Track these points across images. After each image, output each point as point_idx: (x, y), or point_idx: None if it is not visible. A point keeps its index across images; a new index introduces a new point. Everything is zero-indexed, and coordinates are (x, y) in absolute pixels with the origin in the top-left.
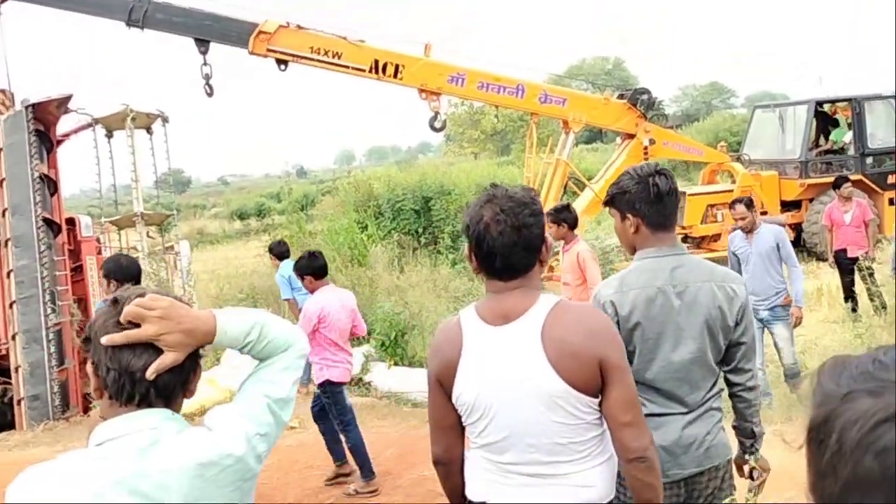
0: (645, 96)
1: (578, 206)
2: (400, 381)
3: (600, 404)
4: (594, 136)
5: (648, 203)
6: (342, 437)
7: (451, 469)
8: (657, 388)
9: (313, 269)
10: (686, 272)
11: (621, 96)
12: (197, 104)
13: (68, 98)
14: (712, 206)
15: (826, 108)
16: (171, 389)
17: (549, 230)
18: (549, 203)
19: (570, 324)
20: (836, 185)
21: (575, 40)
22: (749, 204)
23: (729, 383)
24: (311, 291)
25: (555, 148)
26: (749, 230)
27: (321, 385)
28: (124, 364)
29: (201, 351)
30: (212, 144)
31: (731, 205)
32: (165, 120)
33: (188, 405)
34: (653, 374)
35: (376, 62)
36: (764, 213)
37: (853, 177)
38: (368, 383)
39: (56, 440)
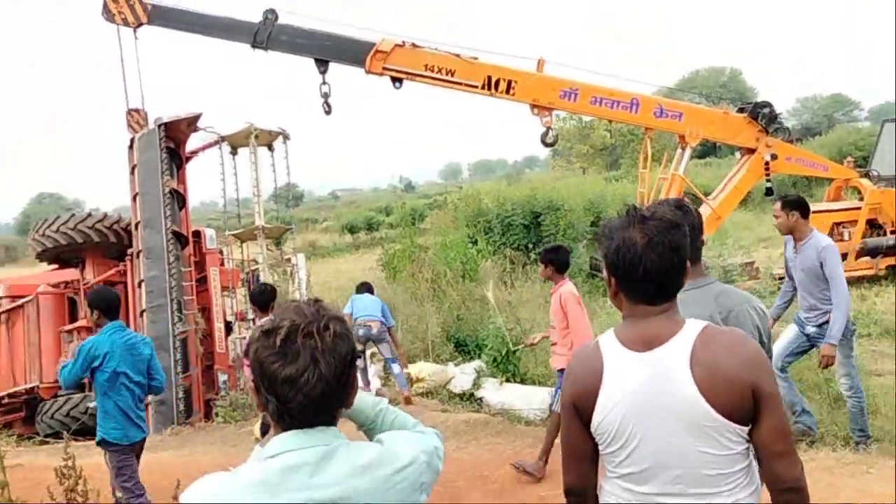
0: (766, 110)
1: None
2: (512, 397)
3: (749, 433)
4: (708, 150)
5: None
6: None
7: (584, 500)
8: None
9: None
10: (726, 298)
11: (741, 110)
12: (311, 120)
13: (198, 117)
14: (838, 224)
15: None
16: (333, 409)
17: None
18: None
19: (722, 349)
20: None
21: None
22: (789, 204)
23: None
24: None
25: (668, 163)
26: (796, 238)
27: None
28: (282, 398)
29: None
30: (324, 159)
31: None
32: (286, 137)
33: None
34: None
35: (489, 78)
36: (894, 233)
37: None
38: (480, 399)
39: (182, 444)
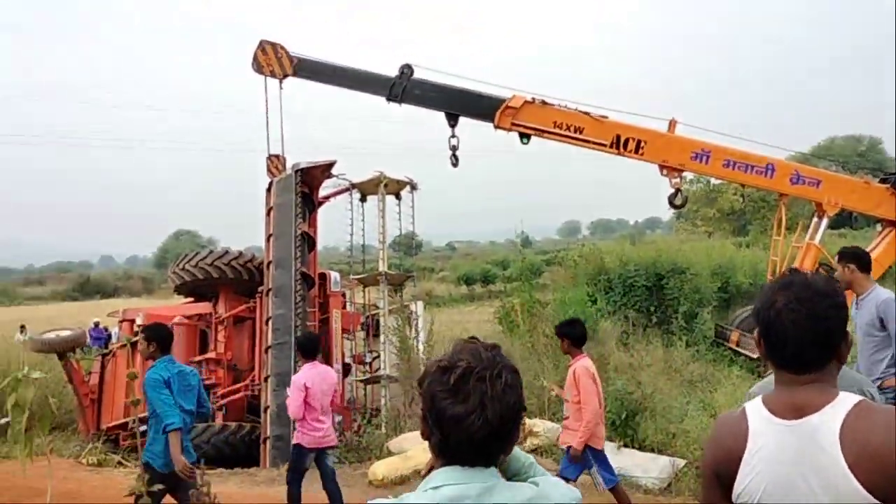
0: None
1: None
2: (630, 463)
3: None
4: (842, 220)
5: None
6: None
7: None
8: None
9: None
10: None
11: (884, 180)
12: (431, 170)
13: (332, 164)
14: None
15: None
16: (495, 452)
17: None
18: None
19: (877, 426)
20: None
21: (821, 118)
22: (845, 256)
23: None
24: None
25: (803, 231)
26: (856, 294)
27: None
28: (446, 432)
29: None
30: (442, 210)
31: None
32: (414, 187)
33: None
34: None
35: (618, 137)
36: None
37: None
38: None
39: None
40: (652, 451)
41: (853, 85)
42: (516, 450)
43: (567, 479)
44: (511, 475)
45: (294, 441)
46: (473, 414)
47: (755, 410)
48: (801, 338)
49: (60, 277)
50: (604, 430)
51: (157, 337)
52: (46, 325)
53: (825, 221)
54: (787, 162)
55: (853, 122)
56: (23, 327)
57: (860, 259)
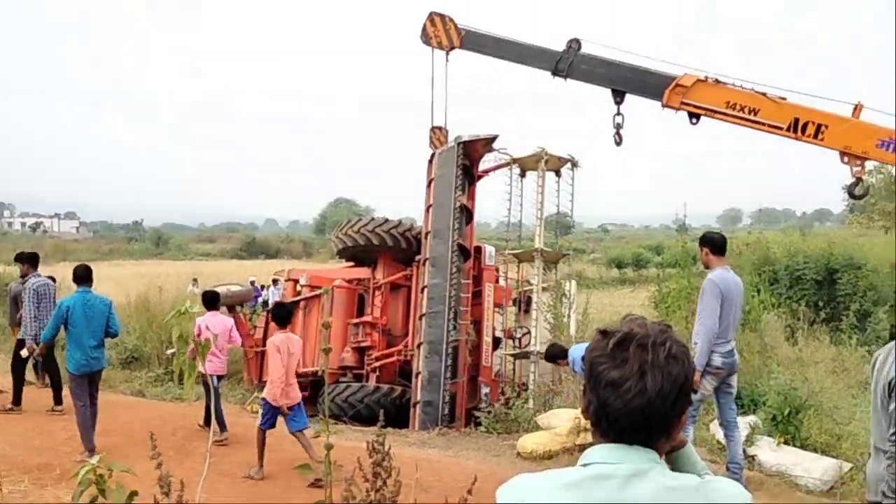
0: None
1: None
2: (791, 461)
3: None
4: None
5: None
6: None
7: None
8: None
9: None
10: None
11: None
12: (597, 151)
13: (494, 138)
14: None
15: None
16: (653, 430)
17: None
18: None
19: None
20: None
21: None
22: (704, 241)
23: None
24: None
25: None
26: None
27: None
28: (602, 399)
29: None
30: (598, 190)
31: None
32: (575, 165)
33: None
34: None
35: (796, 121)
36: None
37: None
38: (753, 456)
39: (448, 445)
40: (815, 451)
41: None
42: (691, 449)
43: None
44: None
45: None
46: (631, 380)
47: None
48: None
49: (228, 237)
50: None
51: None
52: (216, 280)
53: None
54: None
55: None
56: (195, 280)
57: (713, 242)
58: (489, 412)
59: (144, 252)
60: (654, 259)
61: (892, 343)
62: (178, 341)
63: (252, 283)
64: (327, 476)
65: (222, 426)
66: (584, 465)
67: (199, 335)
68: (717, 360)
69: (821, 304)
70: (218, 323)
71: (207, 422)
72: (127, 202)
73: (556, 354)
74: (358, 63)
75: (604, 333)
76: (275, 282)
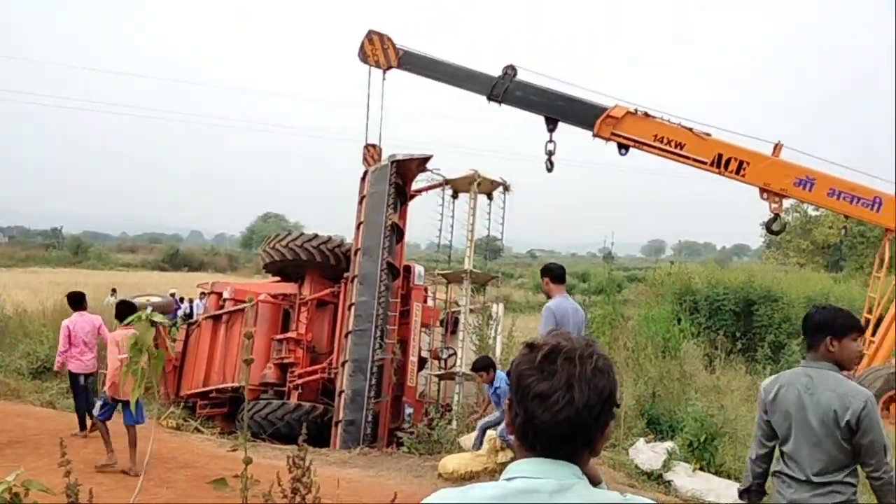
0: None
1: None
2: (705, 487)
3: None
4: None
5: None
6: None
7: None
8: None
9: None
10: None
11: None
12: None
13: (428, 158)
14: None
15: None
16: (580, 444)
17: None
18: (893, 332)
19: None
20: None
21: None
22: (544, 271)
23: None
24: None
25: None
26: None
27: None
28: (529, 412)
29: None
30: (526, 216)
31: None
32: (507, 188)
33: None
34: None
35: (720, 156)
36: None
37: None
38: (669, 482)
39: (369, 465)
40: (728, 477)
41: None
42: (605, 487)
43: None
44: None
45: (69, 369)
46: (558, 392)
47: None
48: None
49: (151, 248)
50: None
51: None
52: (135, 291)
53: None
54: None
55: None
56: (114, 290)
57: (552, 272)
58: (412, 432)
59: (62, 260)
60: (579, 286)
61: (790, 373)
62: (132, 349)
63: (172, 295)
64: (244, 492)
65: (82, 425)
66: (508, 479)
67: (67, 336)
68: None
69: (738, 334)
70: (85, 322)
71: (83, 425)
72: (46, 208)
73: (482, 367)
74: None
75: (531, 346)
76: (201, 294)
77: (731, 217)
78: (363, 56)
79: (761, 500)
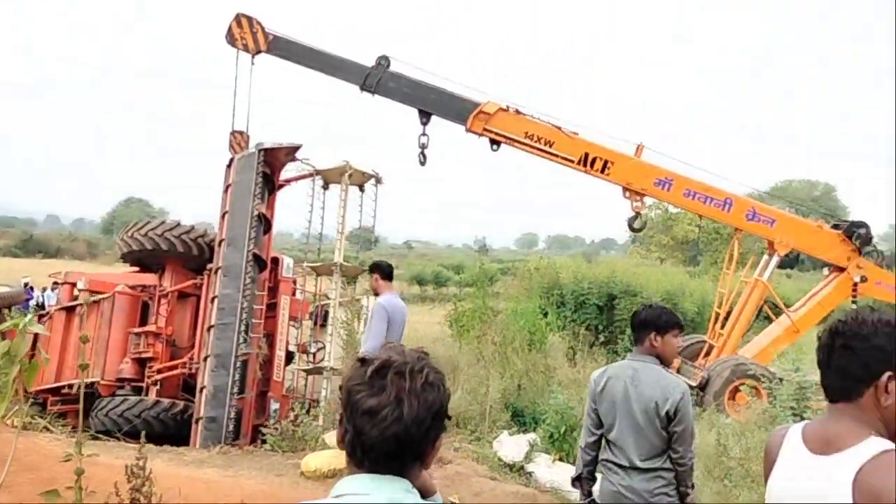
0: (862, 230)
1: (773, 332)
2: (563, 477)
3: None
4: (791, 261)
5: None
6: None
7: None
8: None
9: None
10: None
11: (836, 226)
12: (403, 168)
13: (297, 148)
14: None
15: None
16: (406, 458)
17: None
18: (740, 324)
19: (890, 478)
20: None
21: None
22: (373, 268)
23: None
24: None
25: (752, 267)
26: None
27: None
28: (358, 428)
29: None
30: (403, 208)
31: None
32: (379, 180)
33: None
34: None
35: (586, 155)
36: None
37: None
38: (530, 473)
39: (229, 464)
40: None
41: (813, 129)
42: (438, 499)
43: None
44: None
45: None
46: (388, 408)
47: (795, 434)
48: (826, 366)
49: (2, 232)
50: None
51: None
52: None
53: (775, 260)
54: (745, 198)
55: (809, 167)
56: None
57: (382, 269)
58: (276, 429)
59: None
60: (454, 278)
61: (617, 365)
62: (4, 358)
63: (26, 284)
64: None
65: None
66: (336, 496)
67: None
68: None
69: (601, 327)
70: None
71: None
72: None
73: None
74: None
75: (362, 361)
76: (53, 284)
77: (601, 211)
78: (231, 39)
79: (592, 486)
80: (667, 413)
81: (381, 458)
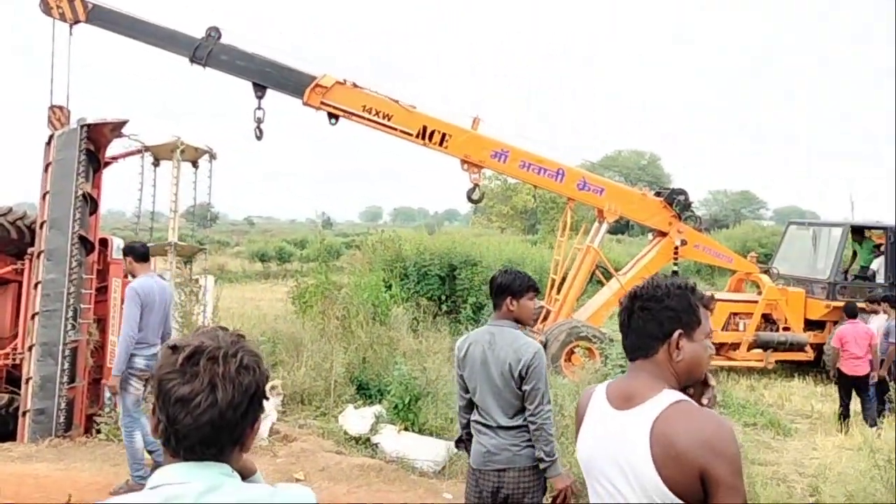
0: (682, 197)
1: (604, 295)
2: (409, 446)
3: None
4: (621, 227)
5: None
6: None
7: None
8: None
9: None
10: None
11: (658, 194)
12: (240, 142)
13: (123, 123)
14: (735, 314)
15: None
16: (224, 443)
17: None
18: (574, 289)
19: (681, 425)
20: (849, 311)
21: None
22: (126, 251)
23: None
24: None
25: (585, 234)
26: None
27: None
28: (171, 416)
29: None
30: (243, 183)
31: None
32: (213, 156)
33: None
34: None
35: (424, 128)
36: (786, 329)
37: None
38: (376, 445)
39: (60, 458)
40: (430, 434)
41: (638, 103)
42: (259, 477)
43: None
44: None
45: None
46: (201, 395)
47: (600, 393)
48: (628, 328)
49: None
50: None
51: None
52: None
53: (605, 227)
54: (576, 169)
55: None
56: None
57: (135, 251)
58: (111, 418)
59: None
60: (297, 253)
61: (477, 332)
62: None
63: None
64: None
65: None
66: (153, 488)
67: None
68: (141, 363)
69: (443, 297)
70: None
71: None
72: None
73: None
74: None
75: (174, 349)
76: None
77: (443, 183)
78: (45, 7)
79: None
80: (519, 373)
81: (196, 445)
